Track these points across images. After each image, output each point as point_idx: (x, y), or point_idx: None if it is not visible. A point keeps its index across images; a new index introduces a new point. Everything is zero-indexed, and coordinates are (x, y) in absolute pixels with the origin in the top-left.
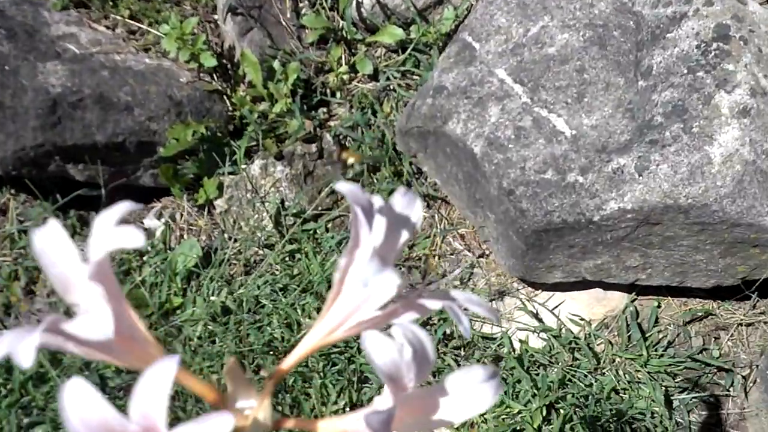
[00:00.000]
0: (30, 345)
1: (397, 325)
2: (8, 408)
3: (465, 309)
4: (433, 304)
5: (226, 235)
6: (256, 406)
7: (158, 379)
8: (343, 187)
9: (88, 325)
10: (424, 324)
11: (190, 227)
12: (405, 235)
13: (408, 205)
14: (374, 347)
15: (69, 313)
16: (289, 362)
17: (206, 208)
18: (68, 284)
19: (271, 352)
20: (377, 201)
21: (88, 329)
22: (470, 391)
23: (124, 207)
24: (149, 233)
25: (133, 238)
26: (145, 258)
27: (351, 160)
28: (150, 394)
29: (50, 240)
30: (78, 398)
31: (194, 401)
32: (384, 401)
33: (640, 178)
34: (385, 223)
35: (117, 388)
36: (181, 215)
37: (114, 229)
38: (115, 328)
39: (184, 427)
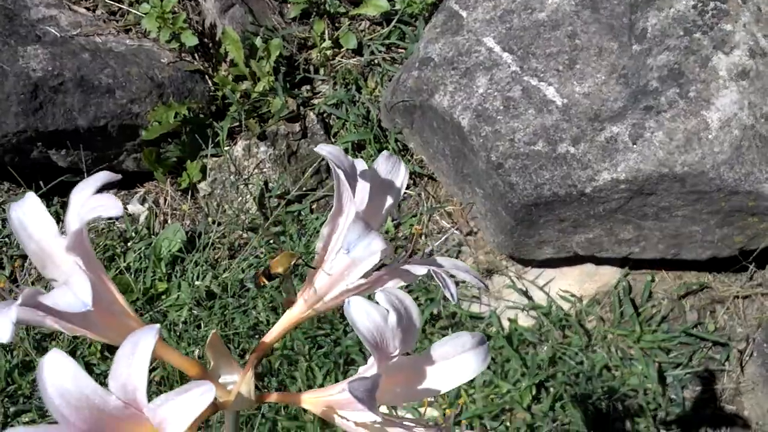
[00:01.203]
0: (7, 320)
1: (381, 291)
2: None
3: (452, 275)
4: (419, 270)
5: (209, 219)
6: (239, 381)
7: (137, 349)
8: (324, 149)
9: (67, 296)
10: None
11: (174, 212)
12: (390, 201)
13: (392, 169)
14: (358, 313)
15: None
16: (272, 335)
17: (190, 192)
18: (46, 258)
19: (257, 336)
20: (360, 165)
21: (66, 301)
22: (457, 358)
23: (101, 177)
24: (133, 218)
25: (111, 207)
26: (129, 244)
27: (279, 270)
28: (129, 365)
29: (27, 213)
30: (56, 371)
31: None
32: (369, 370)
33: (635, 146)
34: (369, 188)
35: (103, 374)
36: (165, 200)
37: (91, 199)
38: (94, 300)
39: (164, 397)
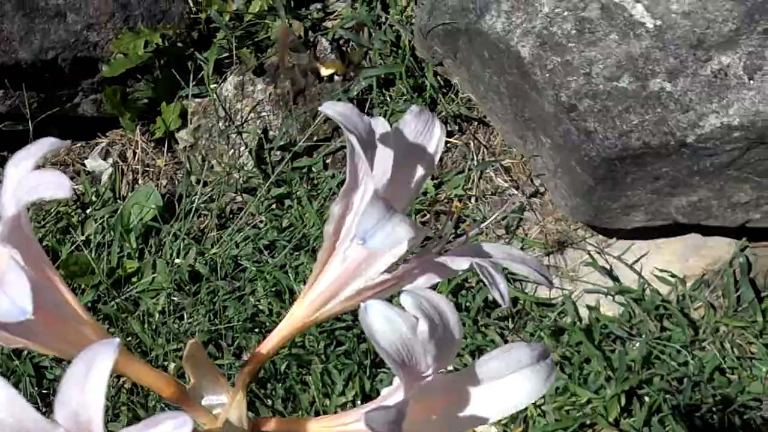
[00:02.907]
0: None
1: (408, 292)
2: None
3: (504, 269)
4: (459, 264)
5: (193, 178)
6: (228, 403)
7: (92, 370)
8: (330, 108)
9: (1, 302)
10: (458, 287)
11: (146, 169)
12: (420, 171)
13: (424, 129)
14: (377, 322)
15: None
16: (268, 345)
17: (166, 143)
18: None
19: (256, 330)
20: (381, 126)
21: (0, 308)
22: (511, 378)
23: (44, 145)
24: (93, 178)
25: (57, 187)
26: (88, 211)
27: (327, 71)
28: (82, 391)
29: None
30: None
31: (158, 395)
32: (393, 394)
33: (751, 82)
34: (393, 157)
35: (57, 380)
36: (134, 153)
37: (32, 176)
38: (36, 305)
39: None
